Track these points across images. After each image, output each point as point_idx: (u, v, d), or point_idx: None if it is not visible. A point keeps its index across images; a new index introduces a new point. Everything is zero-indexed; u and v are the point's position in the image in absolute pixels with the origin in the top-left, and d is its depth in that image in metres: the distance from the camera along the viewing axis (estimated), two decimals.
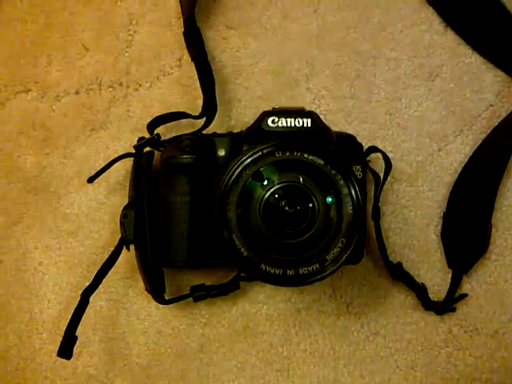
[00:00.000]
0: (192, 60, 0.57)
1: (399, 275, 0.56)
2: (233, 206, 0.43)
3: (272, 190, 0.43)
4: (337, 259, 0.43)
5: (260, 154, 0.43)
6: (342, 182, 0.43)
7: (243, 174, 0.43)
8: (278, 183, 0.44)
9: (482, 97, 0.59)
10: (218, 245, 0.45)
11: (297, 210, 0.43)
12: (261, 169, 0.43)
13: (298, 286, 0.45)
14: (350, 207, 0.43)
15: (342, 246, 0.43)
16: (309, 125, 0.48)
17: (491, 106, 0.59)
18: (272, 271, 0.43)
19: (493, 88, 0.59)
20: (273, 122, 0.48)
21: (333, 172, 0.43)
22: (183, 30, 0.58)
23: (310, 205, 0.43)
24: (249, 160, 0.43)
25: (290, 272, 0.43)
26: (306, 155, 0.43)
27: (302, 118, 0.48)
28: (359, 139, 0.54)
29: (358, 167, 0.51)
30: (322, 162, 0.43)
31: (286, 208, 0.43)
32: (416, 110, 0.59)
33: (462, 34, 0.60)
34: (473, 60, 0.59)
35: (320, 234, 0.43)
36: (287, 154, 0.43)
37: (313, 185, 0.44)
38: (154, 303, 0.56)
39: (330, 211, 0.44)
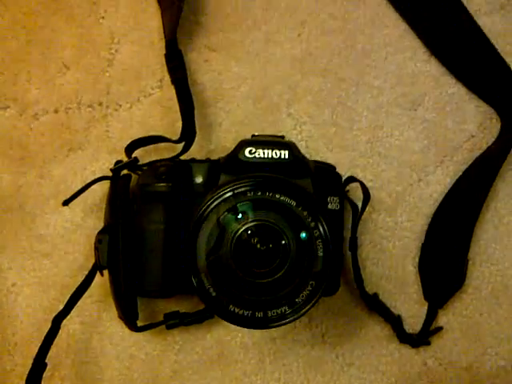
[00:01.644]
0: (172, 83, 0.56)
1: (375, 306, 0.56)
2: (203, 243, 0.42)
3: (245, 226, 0.43)
4: (306, 302, 0.42)
5: (231, 193, 0.43)
6: (313, 223, 0.42)
7: (216, 209, 0.43)
8: (252, 220, 0.43)
9: (463, 127, 0.59)
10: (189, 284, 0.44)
11: (269, 247, 0.43)
12: (235, 206, 0.43)
13: (266, 329, 0.44)
14: (321, 250, 0.42)
15: (311, 289, 0.42)
16: (286, 156, 0.48)
17: (473, 137, 0.59)
18: (240, 313, 0.42)
19: (475, 119, 0.59)
20: (250, 152, 0.48)
21: (304, 213, 0.43)
22: (165, 51, 0.57)
23: (283, 242, 0.43)
24: (219, 200, 0.43)
25: (258, 314, 0.42)
26: (277, 196, 0.43)
27: (279, 149, 0.48)
28: (339, 167, 0.54)
29: (335, 198, 0.51)
30: (293, 203, 0.43)
31: (258, 245, 0.43)
32: (397, 139, 0.59)
33: (445, 64, 0.60)
34: (456, 90, 0.59)
35: (290, 275, 0.43)
36: (259, 193, 0.43)
37: (285, 224, 0.43)
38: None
39: (301, 251, 0.43)
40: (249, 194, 0.43)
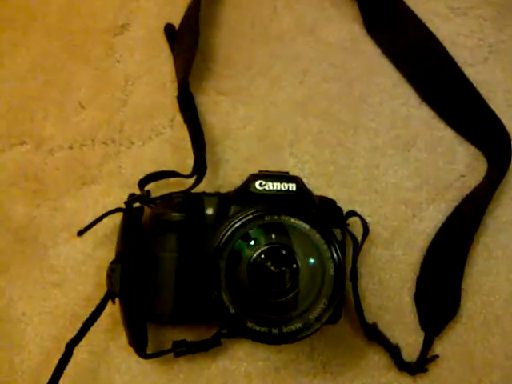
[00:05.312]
0: (185, 123, 0.60)
1: (374, 336, 0.58)
2: (222, 265, 0.45)
3: (259, 250, 0.46)
4: (319, 319, 0.45)
5: (250, 217, 0.46)
6: (325, 246, 0.46)
7: (233, 236, 0.46)
8: (265, 244, 0.46)
9: (453, 167, 0.63)
10: (204, 302, 0.47)
11: (281, 270, 0.46)
12: (250, 231, 0.46)
13: (281, 344, 0.46)
14: (332, 269, 0.46)
15: (323, 307, 0.45)
16: (293, 189, 0.51)
17: (462, 176, 0.63)
18: (257, 329, 0.45)
19: (464, 160, 0.63)
20: (260, 184, 0.51)
21: (317, 236, 0.46)
22: (177, 93, 0.61)
23: (294, 265, 0.46)
24: (239, 223, 0.46)
25: (274, 330, 0.45)
26: (292, 220, 0.46)
27: (287, 182, 0.51)
28: (339, 203, 0.57)
29: (337, 230, 0.54)
30: (307, 227, 0.46)
31: (272, 268, 0.46)
32: (392, 178, 0.63)
33: (436, 109, 0.64)
34: (445, 133, 0.64)
35: (303, 294, 0.46)
36: (275, 217, 0.46)
37: (297, 247, 0.46)
38: (135, 357, 0.57)
39: (313, 272, 0.46)
40: (266, 218, 0.46)
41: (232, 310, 0.45)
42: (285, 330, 0.45)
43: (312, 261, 0.46)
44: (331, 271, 0.46)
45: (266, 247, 0.46)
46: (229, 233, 0.46)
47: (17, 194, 0.61)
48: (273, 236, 0.47)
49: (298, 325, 0.45)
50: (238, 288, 0.45)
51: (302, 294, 0.46)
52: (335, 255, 0.46)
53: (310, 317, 0.45)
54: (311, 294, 0.46)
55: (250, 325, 0.45)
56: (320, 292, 0.46)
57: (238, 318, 0.45)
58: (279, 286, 0.46)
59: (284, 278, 0.46)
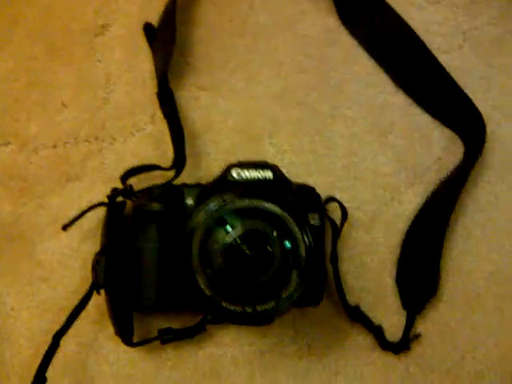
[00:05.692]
0: (165, 117, 0.62)
1: (357, 317, 0.59)
2: (196, 249, 0.47)
3: (234, 235, 0.47)
4: (290, 297, 0.47)
5: (223, 202, 0.47)
6: (296, 228, 0.47)
7: (207, 220, 0.47)
8: (240, 228, 0.47)
9: (430, 151, 0.64)
10: (184, 288, 0.48)
11: (256, 253, 0.47)
12: (224, 216, 0.47)
13: (256, 323, 0.48)
14: (303, 250, 0.47)
15: (295, 286, 0.47)
16: (270, 176, 0.52)
17: (439, 159, 0.64)
18: (232, 308, 0.46)
19: (440, 143, 0.64)
20: (237, 173, 0.52)
21: (289, 219, 0.47)
22: (157, 90, 0.63)
23: (269, 248, 0.47)
24: (213, 207, 0.47)
25: (248, 309, 0.46)
26: (266, 204, 0.47)
27: (263, 170, 0.53)
28: (319, 190, 0.58)
29: (316, 215, 0.56)
30: (278, 209, 0.47)
31: (247, 251, 0.47)
32: (370, 164, 0.64)
33: (412, 95, 0.66)
34: (422, 119, 0.65)
35: (276, 275, 0.47)
36: (248, 202, 0.47)
37: (271, 231, 0.47)
38: (123, 347, 0.58)
39: (286, 254, 0.47)
40: (238, 203, 0.47)
41: (207, 293, 0.46)
42: (259, 308, 0.46)
43: (285, 243, 0.47)
44: (303, 253, 0.47)
45: (241, 231, 0.47)
46: (203, 218, 0.47)
47: (3, 193, 0.63)
48: (248, 221, 0.48)
49: (272, 304, 0.46)
50: (213, 271, 0.47)
51: (275, 275, 0.47)
52: (305, 237, 0.47)
53: (283, 296, 0.47)
54: (284, 275, 0.47)
55: (224, 304, 0.46)
56: (292, 273, 0.47)
57: (213, 300, 0.46)
58: (254, 268, 0.47)
59: (259, 261, 0.47)
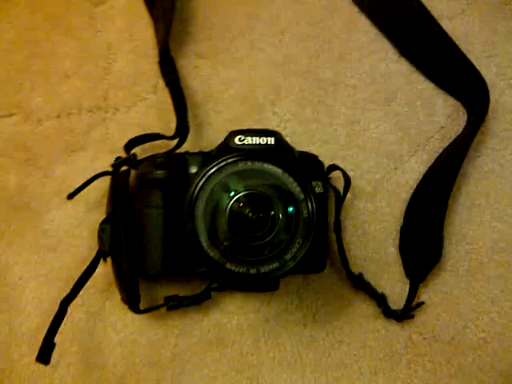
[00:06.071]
0: (166, 86, 0.62)
1: (361, 285, 0.60)
2: (200, 212, 0.47)
3: (237, 198, 0.48)
4: (294, 258, 0.47)
5: (224, 163, 0.48)
6: (298, 189, 0.48)
7: (208, 183, 0.48)
8: (242, 192, 0.48)
9: (433, 119, 0.64)
10: (189, 253, 0.49)
11: (259, 216, 0.48)
12: (227, 179, 0.48)
13: (261, 289, 0.48)
14: (306, 212, 0.47)
15: (298, 247, 0.47)
16: (272, 142, 0.52)
17: (442, 127, 0.64)
18: (236, 270, 0.47)
19: (443, 111, 0.64)
20: (239, 140, 0.52)
21: (290, 180, 0.48)
22: (158, 59, 0.63)
23: (272, 212, 0.48)
24: (213, 169, 0.48)
25: (252, 270, 0.47)
26: (268, 166, 0.48)
27: (266, 136, 0.52)
28: (322, 159, 0.59)
29: (319, 183, 0.56)
30: (280, 172, 0.48)
31: (250, 215, 0.47)
32: (373, 132, 0.64)
33: (414, 63, 0.65)
34: (425, 86, 0.65)
35: (280, 237, 0.48)
36: (249, 163, 0.48)
37: (274, 193, 0.48)
38: (130, 315, 0.59)
39: (289, 216, 0.48)
40: (240, 164, 0.48)
41: (211, 254, 0.47)
42: (262, 269, 0.47)
43: (288, 206, 0.48)
44: (305, 214, 0.47)
45: (244, 193, 0.48)
46: (204, 180, 0.48)
47: (8, 164, 0.63)
48: (250, 183, 0.48)
49: (275, 264, 0.47)
50: (217, 234, 0.47)
51: (278, 238, 0.48)
52: (308, 199, 0.47)
53: (286, 257, 0.47)
54: (287, 236, 0.48)
55: (228, 266, 0.47)
56: (295, 234, 0.48)
57: (217, 262, 0.47)
58: (257, 231, 0.47)
59: (262, 224, 0.47)
